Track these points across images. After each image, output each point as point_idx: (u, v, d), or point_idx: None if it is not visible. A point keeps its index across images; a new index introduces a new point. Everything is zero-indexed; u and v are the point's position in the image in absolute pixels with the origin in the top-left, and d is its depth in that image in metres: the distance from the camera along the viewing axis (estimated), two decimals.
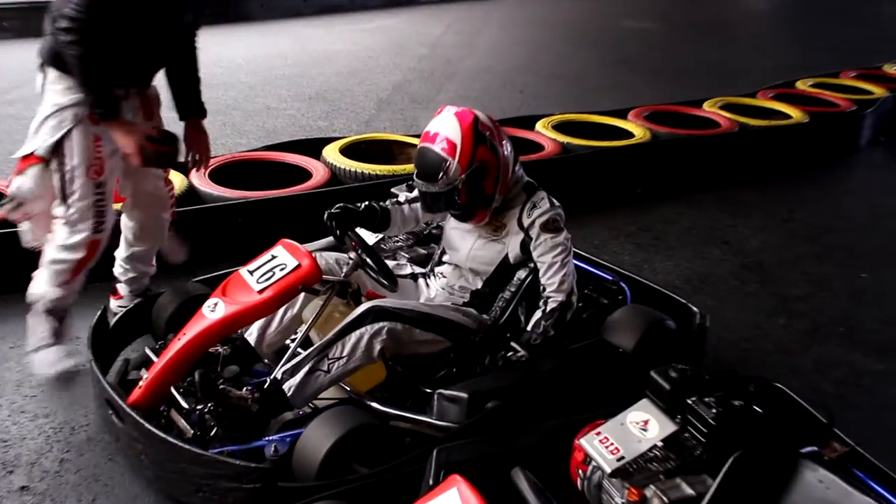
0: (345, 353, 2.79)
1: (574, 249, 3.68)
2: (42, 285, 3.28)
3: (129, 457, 2.87)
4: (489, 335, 3.03)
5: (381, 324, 2.82)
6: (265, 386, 2.76)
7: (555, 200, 3.10)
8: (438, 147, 2.94)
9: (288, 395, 2.74)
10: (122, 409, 2.71)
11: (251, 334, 2.99)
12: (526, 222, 3.04)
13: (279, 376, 2.77)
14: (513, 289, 3.04)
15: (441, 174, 2.94)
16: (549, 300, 3.02)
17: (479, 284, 3.16)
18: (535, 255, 3.05)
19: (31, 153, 3.07)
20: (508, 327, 3.03)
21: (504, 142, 3.05)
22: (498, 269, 3.13)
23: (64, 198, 3.08)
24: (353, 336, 2.80)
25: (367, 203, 3.20)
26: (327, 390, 2.86)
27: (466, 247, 3.16)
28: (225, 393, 2.71)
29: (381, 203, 3.25)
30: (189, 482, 2.58)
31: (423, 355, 2.99)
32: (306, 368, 2.76)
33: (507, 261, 3.12)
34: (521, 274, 3.04)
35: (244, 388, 2.76)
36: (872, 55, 9.67)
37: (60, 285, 3.25)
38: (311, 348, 2.83)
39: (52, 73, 3.00)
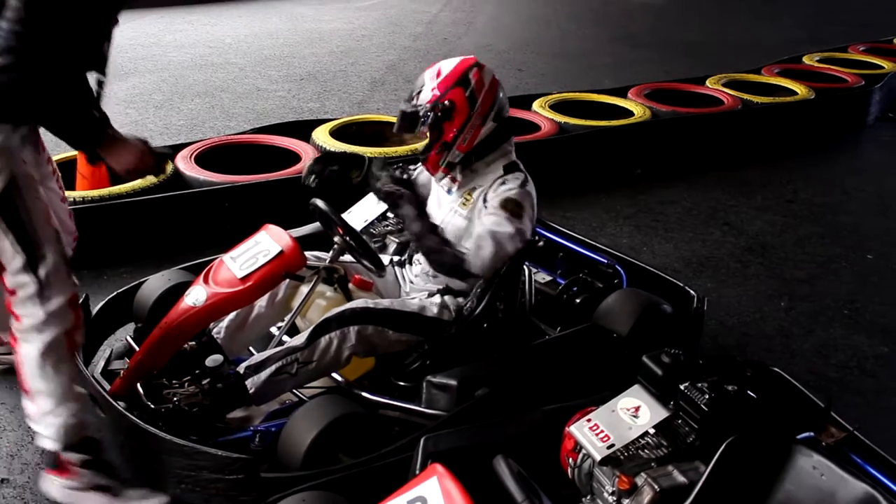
0: (314, 358, 2.72)
1: (569, 232, 3.66)
2: (41, 409, 2.49)
3: (111, 448, 2.82)
4: (464, 327, 2.93)
5: (351, 328, 2.75)
6: (226, 380, 2.68)
7: (532, 189, 2.91)
8: (431, 71, 2.92)
9: (251, 391, 2.67)
10: (104, 400, 2.66)
11: (219, 333, 2.92)
12: (490, 197, 2.91)
13: (242, 370, 2.70)
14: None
15: (417, 93, 2.91)
16: (471, 259, 2.74)
17: None
18: (477, 223, 2.89)
19: None
20: (485, 318, 2.94)
21: (492, 107, 2.93)
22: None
23: (33, 260, 2.35)
24: (323, 341, 2.73)
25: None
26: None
27: (439, 219, 3.05)
28: (170, 398, 2.64)
29: (409, 174, 3.24)
30: (171, 473, 2.54)
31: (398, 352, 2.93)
32: (272, 369, 2.68)
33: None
34: None
35: (192, 385, 2.69)
36: (889, 28, 9.53)
37: (61, 393, 2.48)
38: (280, 347, 2.76)
39: None
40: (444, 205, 3.06)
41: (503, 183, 2.90)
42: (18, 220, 2.31)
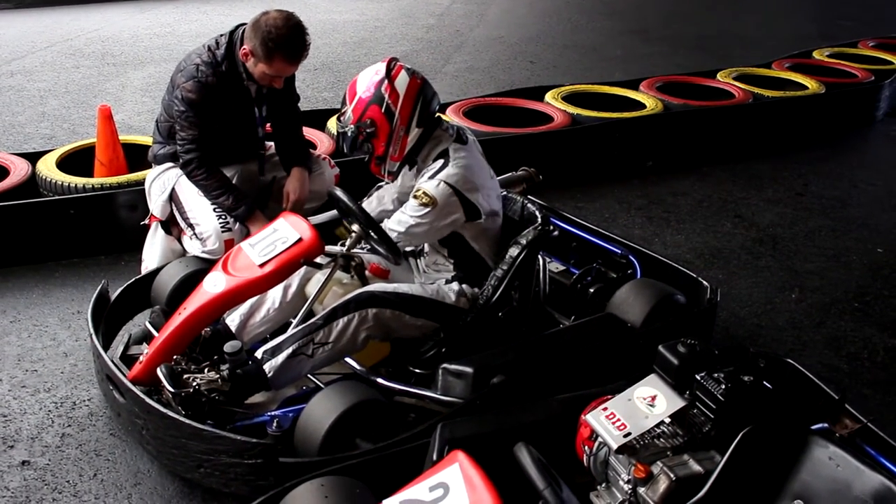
0: (330, 340, 2.77)
1: (583, 222, 3.67)
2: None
3: (130, 432, 2.86)
4: (480, 315, 2.96)
5: (369, 310, 2.79)
6: (245, 366, 2.72)
7: (450, 173, 2.89)
8: (349, 88, 2.98)
9: (269, 375, 2.71)
10: (123, 385, 2.69)
11: (233, 321, 2.96)
12: (416, 187, 2.98)
13: (260, 355, 2.74)
14: (505, 266, 2.95)
15: (342, 114, 2.98)
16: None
17: (447, 258, 3.12)
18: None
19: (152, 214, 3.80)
20: (499, 306, 2.96)
21: (413, 113, 2.95)
22: (441, 240, 3.08)
23: (188, 223, 3.62)
24: (340, 322, 2.77)
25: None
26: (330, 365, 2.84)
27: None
28: (189, 383, 2.67)
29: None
30: (190, 458, 2.57)
31: (413, 338, 2.96)
32: (289, 351, 2.73)
33: None
34: (513, 252, 2.94)
35: (212, 371, 2.72)
36: None
37: None
38: (296, 329, 2.80)
39: (155, 165, 3.78)
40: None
41: (423, 174, 2.97)
42: (182, 207, 3.62)
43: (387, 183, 3.37)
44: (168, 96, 3.60)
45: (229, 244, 3.47)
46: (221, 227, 3.51)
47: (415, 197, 2.91)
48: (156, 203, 3.70)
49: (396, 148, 2.98)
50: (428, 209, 2.88)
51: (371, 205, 3.41)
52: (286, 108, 3.84)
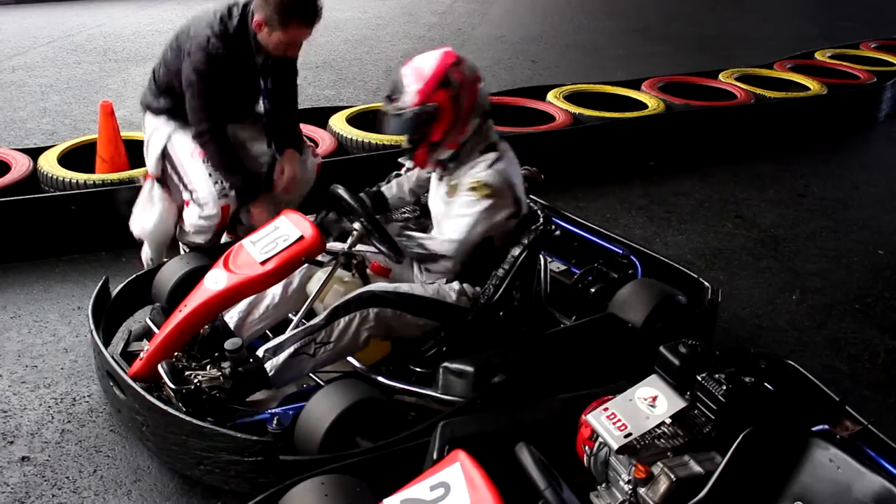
0: (332, 339, 2.76)
1: (584, 222, 3.67)
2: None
3: (130, 429, 2.86)
4: (481, 314, 2.95)
5: (370, 310, 2.78)
6: (246, 364, 2.71)
7: (504, 165, 2.92)
8: (408, 70, 2.89)
9: (270, 374, 2.71)
10: (124, 381, 2.69)
11: (232, 318, 2.95)
12: (464, 182, 2.93)
13: (261, 354, 2.74)
14: (506, 266, 2.94)
15: (398, 95, 2.88)
16: (436, 241, 2.93)
17: None
18: (449, 208, 2.96)
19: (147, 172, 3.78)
20: (500, 306, 2.96)
21: (475, 102, 2.92)
22: None
23: (185, 186, 3.57)
24: (342, 322, 2.76)
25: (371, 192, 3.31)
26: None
27: (434, 211, 3.12)
28: (190, 380, 2.66)
29: (378, 187, 3.35)
30: (190, 455, 2.57)
31: (414, 337, 2.96)
32: (291, 350, 2.73)
33: None
34: (515, 251, 2.94)
35: (213, 368, 2.72)
36: None
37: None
38: (298, 329, 2.80)
39: (149, 115, 3.70)
40: (436, 192, 3.11)
41: (473, 167, 2.93)
42: (176, 168, 3.60)
43: (406, 171, 3.36)
44: (171, 53, 3.54)
45: (226, 210, 3.52)
46: (218, 193, 3.50)
47: (472, 189, 2.86)
48: (151, 159, 3.67)
49: (456, 136, 2.92)
50: (490, 201, 2.85)
51: (391, 191, 3.39)
52: (286, 79, 3.77)
